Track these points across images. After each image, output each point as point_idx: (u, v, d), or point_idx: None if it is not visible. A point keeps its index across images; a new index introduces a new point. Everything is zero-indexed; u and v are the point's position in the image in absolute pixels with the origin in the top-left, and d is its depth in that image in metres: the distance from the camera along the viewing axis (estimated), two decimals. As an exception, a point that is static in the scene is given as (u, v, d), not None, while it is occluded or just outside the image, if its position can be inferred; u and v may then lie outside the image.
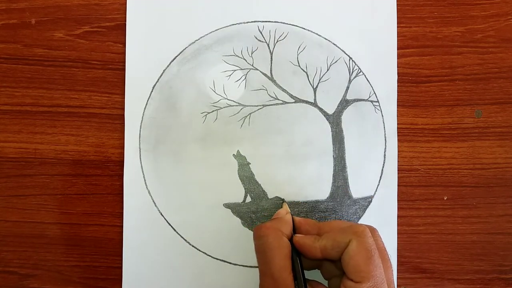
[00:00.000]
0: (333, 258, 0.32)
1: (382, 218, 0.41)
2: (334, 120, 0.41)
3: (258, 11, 0.41)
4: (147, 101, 0.40)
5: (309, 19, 0.41)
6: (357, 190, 0.41)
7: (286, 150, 0.41)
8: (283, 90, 0.41)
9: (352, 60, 0.42)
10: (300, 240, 0.33)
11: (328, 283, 0.34)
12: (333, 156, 0.41)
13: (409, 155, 0.42)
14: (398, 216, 0.42)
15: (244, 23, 0.41)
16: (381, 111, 0.42)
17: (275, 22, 0.41)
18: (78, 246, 0.40)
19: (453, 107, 0.42)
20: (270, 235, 0.32)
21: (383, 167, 0.42)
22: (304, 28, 0.41)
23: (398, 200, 0.42)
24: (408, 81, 0.42)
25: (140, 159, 0.40)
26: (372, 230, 0.33)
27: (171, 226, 0.40)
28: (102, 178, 0.40)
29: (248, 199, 0.40)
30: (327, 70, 0.41)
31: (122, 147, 0.40)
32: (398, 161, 0.42)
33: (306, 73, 0.41)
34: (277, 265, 0.31)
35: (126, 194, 0.40)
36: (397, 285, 0.42)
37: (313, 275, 0.35)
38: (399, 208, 0.42)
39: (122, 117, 0.40)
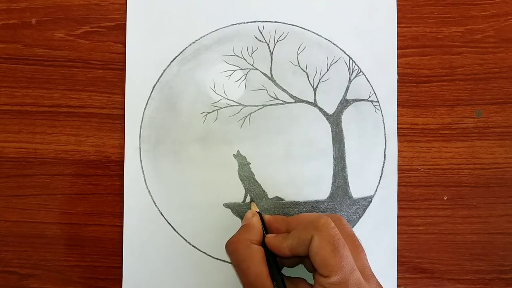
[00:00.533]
0: (302, 255, 0.32)
1: (382, 218, 0.41)
2: (334, 120, 0.41)
3: (258, 11, 0.41)
4: (147, 101, 0.40)
5: (309, 19, 0.41)
6: (357, 190, 0.41)
7: (286, 150, 0.41)
8: (283, 90, 0.41)
9: (352, 60, 0.42)
10: (270, 242, 0.34)
11: (313, 276, 0.34)
12: (333, 156, 0.41)
13: (409, 155, 0.42)
14: (398, 216, 0.42)
15: (244, 23, 0.41)
16: (381, 111, 0.42)
17: (275, 22, 0.41)
18: (78, 246, 0.40)
19: (453, 107, 0.42)
20: (239, 249, 0.33)
21: (383, 167, 0.42)
22: (304, 28, 0.41)
23: (398, 200, 0.42)
24: (408, 81, 0.42)
25: (140, 159, 0.40)
26: (337, 219, 0.34)
27: (171, 226, 0.40)
28: (102, 178, 0.40)
29: (248, 199, 0.40)
30: (327, 70, 0.41)
31: (122, 147, 0.40)
32: (398, 161, 0.42)
33: (306, 73, 0.41)
34: (253, 274, 0.32)
35: (126, 194, 0.40)
36: (397, 285, 0.42)
37: (299, 269, 0.35)
38: (399, 208, 0.42)
39: (122, 117, 0.40)
